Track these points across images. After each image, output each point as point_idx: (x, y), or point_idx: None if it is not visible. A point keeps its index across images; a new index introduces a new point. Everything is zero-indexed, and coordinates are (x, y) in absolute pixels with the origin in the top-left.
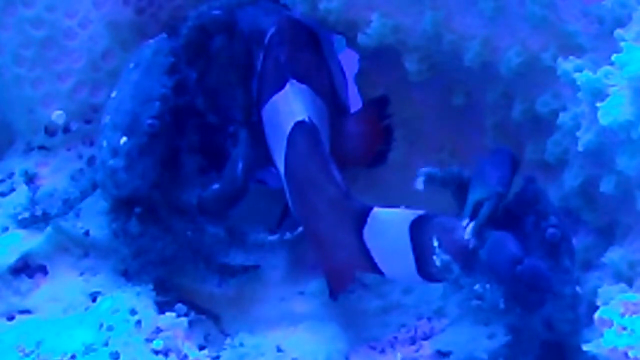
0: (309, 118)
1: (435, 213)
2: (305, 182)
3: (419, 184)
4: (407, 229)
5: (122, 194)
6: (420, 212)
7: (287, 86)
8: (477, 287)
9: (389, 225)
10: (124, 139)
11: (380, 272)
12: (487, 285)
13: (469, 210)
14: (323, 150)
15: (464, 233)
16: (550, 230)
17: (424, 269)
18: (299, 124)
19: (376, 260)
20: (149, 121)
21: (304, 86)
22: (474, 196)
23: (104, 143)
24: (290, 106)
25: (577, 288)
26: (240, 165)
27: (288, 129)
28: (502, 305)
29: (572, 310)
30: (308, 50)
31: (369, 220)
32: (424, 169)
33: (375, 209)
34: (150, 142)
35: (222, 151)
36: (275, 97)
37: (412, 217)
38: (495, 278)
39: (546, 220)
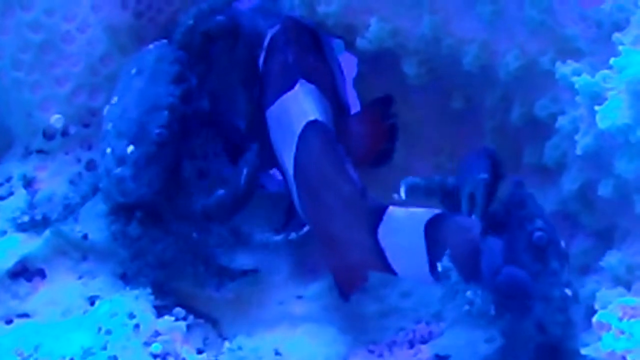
0: (321, 118)
1: (452, 212)
2: (319, 181)
3: (402, 194)
4: (422, 228)
5: (128, 201)
6: (437, 211)
7: (297, 86)
8: (468, 293)
9: (404, 224)
10: (130, 148)
11: (393, 272)
12: (479, 292)
13: (466, 206)
14: (338, 148)
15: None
16: (537, 233)
17: (437, 269)
18: (312, 124)
19: (389, 259)
20: (157, 130)
21: (312, 86)
22: (464, 193)
23: (108, 150)
24: (301, 106)
25: (567, 290)
26: (245, 172)
27: (299, 128)
28: (492, 312)
29: (562, 312)
30: (312, 51)
31: (384, 218)
32: (407, 179)
33: (391, 208)
34: (158, 151)
35: (225, 155)
36: (284, 97)
37: (428, 216)
38: (485, 285)
39: (532, 223)
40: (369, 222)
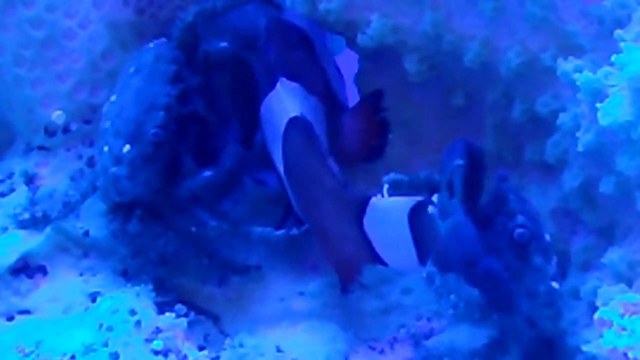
0: (302, 114)
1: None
2: (304, 177)
3: (385, 192)
4: (405, 216)
5: (124, 200)
6: (419, 198)
7: (278, 85)
8: (452, 297)
9: (387, 213)
10: (127, 147)
11: (383, 263)
12: (463, 295)
13: (445, 195)
14: (318, 143)
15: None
16: (517, 231)
17: (425, 257)
18: (293, 120)
19: (378, 250)
20: (154, 130)
21: (295, 84)
22: (442, 182)
23: (105, 148)
24: (282, 104)
25: (554, 284)
26: (229, 158)
27: (282, 126)
28: (477, 315)
29: (550, 307)
30: (298, 50)
31: (367, 210)
32: (389, 176)
33: (374, 199)
34: (155, 151)
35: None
36: (269, 97)
37: (410, 204)
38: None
39: (513, 220)
40: (354, 215)
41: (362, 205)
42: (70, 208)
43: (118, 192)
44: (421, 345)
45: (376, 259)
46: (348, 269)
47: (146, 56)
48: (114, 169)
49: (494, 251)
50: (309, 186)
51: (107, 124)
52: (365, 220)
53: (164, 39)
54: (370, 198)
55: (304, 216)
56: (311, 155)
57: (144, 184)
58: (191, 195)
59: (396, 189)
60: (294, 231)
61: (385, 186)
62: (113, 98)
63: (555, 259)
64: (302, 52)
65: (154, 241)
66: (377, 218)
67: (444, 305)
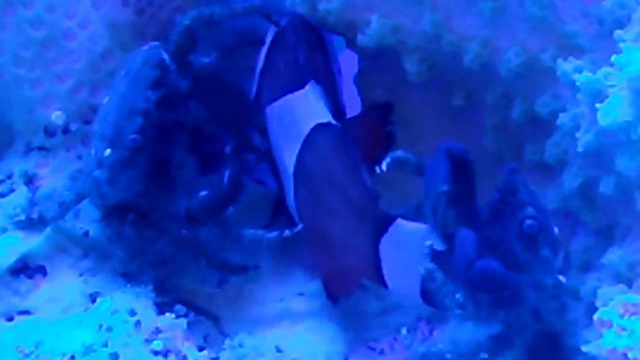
0: (333, 120)
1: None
2: (326, 182)
3: (383, 166)
4: (427, 247)
5: (107, 204)
6: None
7: (308, 87)
8: (458, 296)
9: (408, 239)
10: (107, 151)
11: (385, 285)
12: (469, 295)
13: (432, 223)
14: (353, 152)
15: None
16: (527, 222)
17: (428, 290)
18: (322, 126)
19: (384, 271)
20: (131, 136)
21: (320, 88)
22: (427, 210)
23: (92, 152)
24: (311, 107)
25: (561, 277)
26: (227, 173)
27: (306, 129)
28: (484, 314)
29: (556, 299)
30: (319, 51)
31: (390, 229)
32: (395, 153)
33: (399, 220)
34: (133, 156)
35: (217, 157)
36: (291, 96)
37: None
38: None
39: (523, 211)
40: (374, 231)
41: (385, 223)
42: (65, 208)
43: (100, 196)
44: (419, 343)
45: (380, 279)
46: (342, 280)
47: (136, 59)
48: (96, 173)
49: (493, 248)
50: (329, 192)
51: (96, 127)
52: (384, 239)
53: (156, 43)
54: (396, 218)
55: (307, 219)
56: (341, 163)
57: (125, 188)
58: (188, 215)
59: (400, 168)
60: (287, 233)
61: (387, 159)
62: (105, 100)
63: (563, 253)
64: (321, 54)
65: (150, 245)
66: (396, 240)
67: (450, 304)
